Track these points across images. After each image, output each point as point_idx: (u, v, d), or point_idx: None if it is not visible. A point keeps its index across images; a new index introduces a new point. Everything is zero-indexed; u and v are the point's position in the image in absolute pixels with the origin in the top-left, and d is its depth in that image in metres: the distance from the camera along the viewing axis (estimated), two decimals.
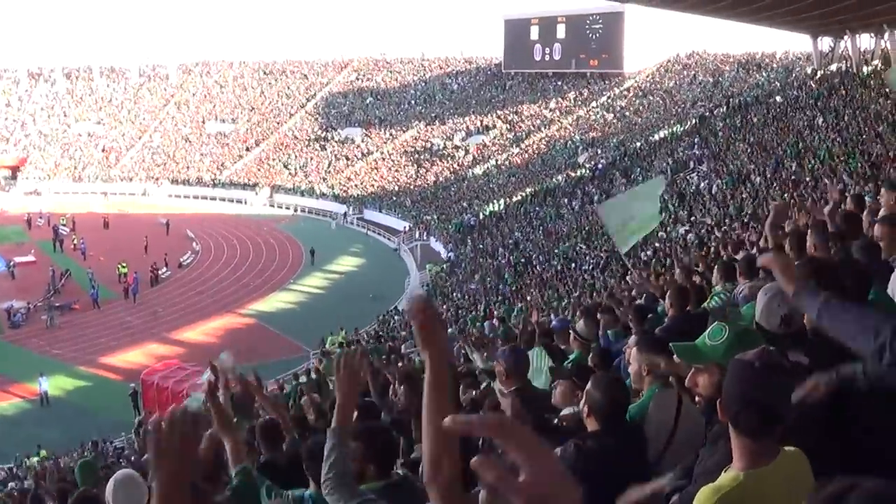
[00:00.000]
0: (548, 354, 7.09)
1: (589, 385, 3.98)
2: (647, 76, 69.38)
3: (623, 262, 21.78)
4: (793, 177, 34.03)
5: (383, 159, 69.92)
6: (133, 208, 65.18)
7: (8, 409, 28.34)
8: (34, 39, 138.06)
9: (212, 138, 79.93)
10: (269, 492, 4.18)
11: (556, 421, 4.60)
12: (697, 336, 3.48)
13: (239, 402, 13.21)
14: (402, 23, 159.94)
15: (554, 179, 53.11)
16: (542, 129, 66.17)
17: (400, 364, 16.49)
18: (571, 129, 63.83)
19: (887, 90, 36.42)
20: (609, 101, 67.42)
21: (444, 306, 32.70)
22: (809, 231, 5.95)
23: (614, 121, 62.78)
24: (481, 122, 70.97)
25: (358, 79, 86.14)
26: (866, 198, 10.76)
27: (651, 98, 64.54)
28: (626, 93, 67.97)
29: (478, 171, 62.05)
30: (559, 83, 73.94)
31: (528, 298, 31.85)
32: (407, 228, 54.58)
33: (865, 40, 45.81)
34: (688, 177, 42.47)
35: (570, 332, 7.84)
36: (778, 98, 47.64)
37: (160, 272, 43.77)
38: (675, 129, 51.42)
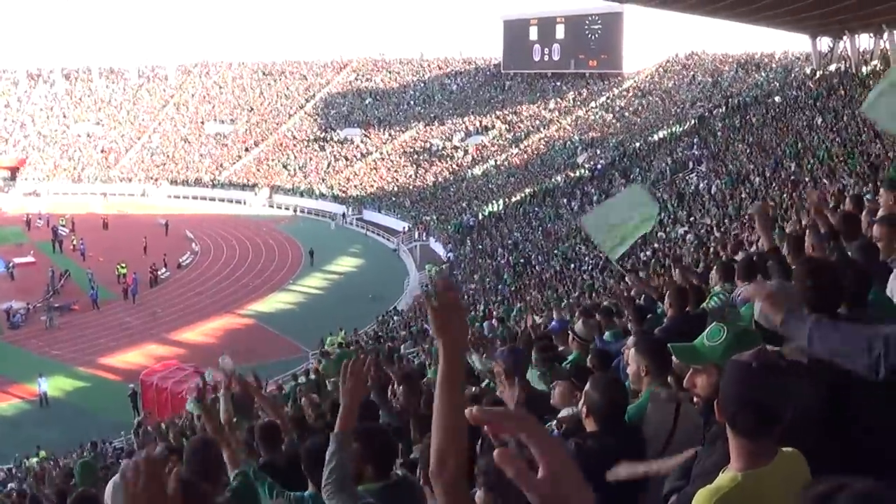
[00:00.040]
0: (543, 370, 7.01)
1: (587, 386, 3.98)
2: (646, 76, 69.43)
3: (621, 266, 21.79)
4: (792, 177, 34.03)
5: (382, 160, 69.92)
6: (132, 209, 65.15)
7: (7, 410, 28.31)
8: (33, 40, 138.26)
9: (211, 139, 79.91)
10: (270, 490, 4.19)
11: (554, 423, 4.60)
12: (696, 337, 3.48)
13: (238, 403, 13.22)
14: (401, 23, 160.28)
15: (553, 180, 53.12)
16: (542, 129, 66.19)
17: (399, 364, 16.49)
18: (570, 130, 63.85)
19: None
20: (608, 101, 67.45)
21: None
22: (807, 232, 5.95)
23: (613, 121, 62.80)
24: (480, 122, 70.99)
25: (357, 79, 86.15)
26: (865, 198, 10.77)
27: (650, 98, 64.57)
28: (625, 93, 68.01)
29: (477, 171, 62.06)
30: (558, 83, 73.95)
31: (528, 299, 31.84)
32: (406, 229, 54.58)
33: (864, 40, 45.85)
34: (687, 177, 42.49)
35: (569, 332, 7.83)
36: (777, 98, 47.67)
37: (159, 273, 43.75)
38: (674, 129, 51.44)
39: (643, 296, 11.06)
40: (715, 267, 8.65)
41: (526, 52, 76.57)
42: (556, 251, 39.59)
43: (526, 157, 61.85)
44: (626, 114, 63.20)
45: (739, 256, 9.64)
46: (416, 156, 68.82)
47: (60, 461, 19.89)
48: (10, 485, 19.67)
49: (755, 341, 3.14)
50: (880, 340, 2.61)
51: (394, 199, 61.79)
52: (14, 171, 75.24)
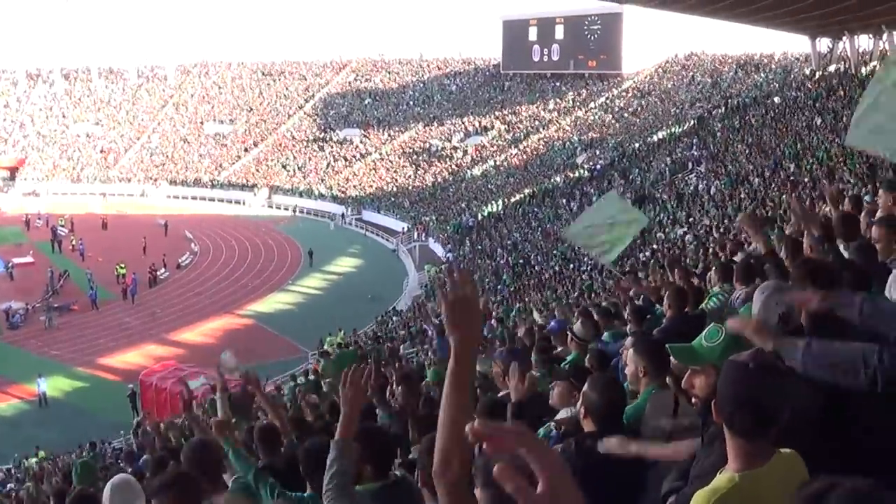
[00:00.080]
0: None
1: (586, 386, 3.99)
2: (646, 77, 69.45)
3: (617, 267, 21.82)
4: (791, 177, 34.04)
5: (382, 160, 69.94)
6: (131, 209, 65.15)
7: (6, 410, 28.31)
8: (32, 40, 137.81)
9: (210, 139, 79.91)
10: (272, 491, 4.19)
11: (553, 424, 4.61)
12: (695, 338, 3.48)
13: (237, 403, 13.23)
14: (401, 24, 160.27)
15: (552, 180, 53.13)
16: (541, 129, 66.21)
17: (398, 365, 16.48)
18: (570, 130, 63.86)
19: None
20: (607, 101, 67.47)
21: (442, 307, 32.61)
22: (805, 233, 5.94)
23: (613, 122, 62.82)
24: (480, 122, 71.01)
25: (356, 80, 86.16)
26: (864, 199, 10.77)
27: (649, 99, 64.59)
28: (624, 94, 68.03)
29: (476, 171, 62.08)
30: (557, 84, 73.97)
31: (527, 299, 31.83)
32: (405, 229, 54.59)
33: (864, 41, 45.89)
34: (686, 178, 42.51)
35: (568, 333, 7.84)
36: (776, 99, 47.71)
37: (158, 273, 43.74)
38: (673, 129, 51.47)
39: (641, 297, 11.06)
40: (714, 268, 8.66)
41: (525, 53, 76.60)
42: (555, 252, 39.59)
43: (525, 157, 61.86)
44: (626, 114, 63.22)
45: (738, 257, 9.63)
46: (415, 156, 68.84)
47: (59, 461, 19.89)
48: (9, 485, 19.69)
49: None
50: (874, 353, 2.61)
51: (393, 199, 61.80)
52: (13, 172, 75.26)
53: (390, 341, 27.10)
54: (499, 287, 37.15)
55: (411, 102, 79.47)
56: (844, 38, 45.93)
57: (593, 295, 26.54)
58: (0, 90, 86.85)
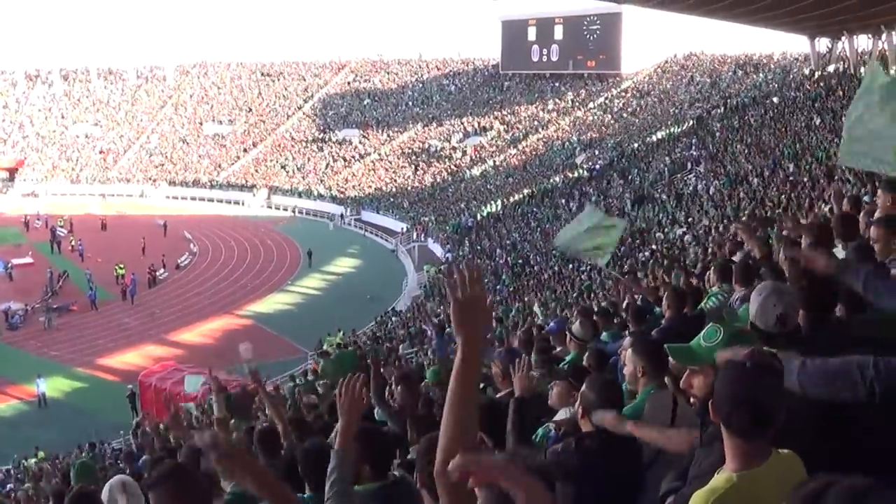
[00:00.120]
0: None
1: (584, 387, 3.99)
2: (645, 77, 69.47)
3: (613, 270, 21.92)
4: (790, 178, 34.05)
5: (381, 160, 69.94)
6: (131, 210, 65.15)
7: (6, 411, 28.31)
8: (31, 41, 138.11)
9: (209, 140, 79.90)
10: None
11: (553, 426, 4.61)
12: (694, 338, 3.49)
13: (237, 404, 13.23)
14: (400, 24, 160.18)
15: (551, 180, 53.12)
16: (540, 130, 66.22)
17: (397, 364, 16.50)
18: (569, 130, 63.87)
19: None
20: (606, 102, 67.49)
21: (441, 308, 32.70)
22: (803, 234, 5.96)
23: (612, 122, 62.84)
24: (479, 123, 71.02)
25: (355, 80, 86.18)
26: (863, 199, 10.77)
27: (648, 99, 64.61)
28: (623, 94, 68.05)
29: (475, 172, 62.08)
30: (557, 84, 73.99)
31: (526, 300, 31.82)
32: (404, 229, 54.58)
33: (863, 41, 45.90)
34: (685, 178, 42.51)
35: (567, 333, 7.84)
36: (775, 99, 47.72)
37: (158, 273, 43.74)
38: (672, 130, 51.48)
39: (640, 297, 11.07)
40: (712, 268, 8.66)
41: (524, 53, 76.61)
42: (554, 252, 39.56)
43: (524, 157, 61.87)
44: (625, 114, 63.23)
45: (737, 257, 9.63)
46: (414, 156, 68.84)
47: (59, 462, 19.90)
48: (8, 485, 19.70)
49: (751, 342, 3.14)
50: (870, 365, 2.62)
51: (392, 199, 61.81)
52: (12, 172, 75.22)
53: (389, 341, 27.11)
54: (498, 287, 37.14)
55: (410, 103, 79.48)
56: (843, 38, 45.94)
57: (592, 295, 26.53)
58: None
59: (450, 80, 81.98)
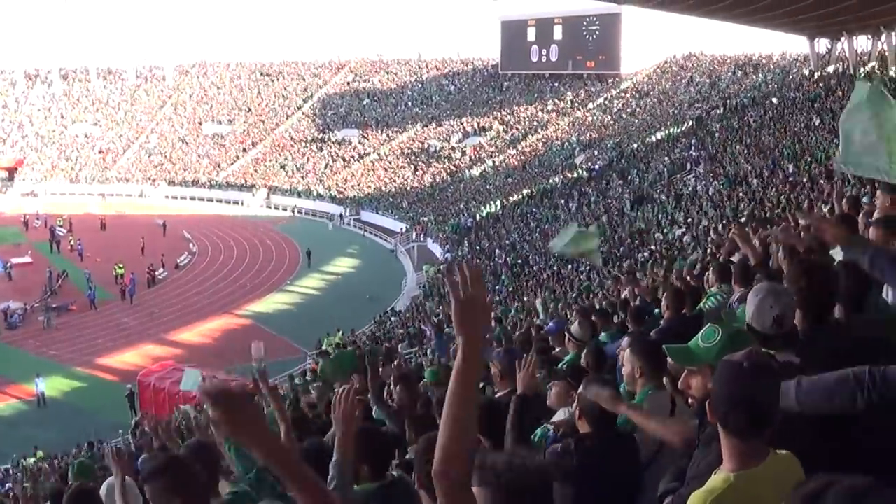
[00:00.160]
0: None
1: (581, 388, 3.99)
2: (644, 77, 69.49)
3: (613, 269, 22.02)
4: (790, 178, 34.05)
5: (380, 160, 69.94)
6: (130, 209, 65.12)
7: (5, 410, 28.30)
8: (31, 41, 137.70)
9: (209, 139, 79.90)
10: (272, 490, 4.18)
11: (551, 427, 4.61)
12: (692, 338, 3.48)
13: None
14: (399, 24, 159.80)
15: (551, 181, 53.12)
16: (539, 130, 66.24)
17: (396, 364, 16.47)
18: (568, 131, 63.89)
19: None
20: (606, 102, 67.51)
21: (441, 308, 32.70)
22: (801, 234, 5.95)
23: (611, 122, 62.87)
24: (478, 123, 71.03)
25: (355, 80, 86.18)
26: (862, 200, 10.77)
27: (648, 99, 64.64)
28: (622, 94, 68.07)
29: (475, 172, 62.09)
30: (556, 84, 74.01)
31: (525, 300, 31.82)
32: (404, 230, 54.59)
33: (862, 42, 45.94)
34: (685, 178, 42.51)
35: (566, 333, 7.84)
36: (775, 100, 47.72)
37: (157, 273, 43.72)
38: (671, 130, 51.49)
39: (639, 297, 11.09)
40: (711, 268, 8.67)
41: (524, 53, 76.62)
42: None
43: (524, 157, 61.88)
44: (624, 115, 63.25)
45: (736, 258, 9.64)
46: (413, 156, 68.84)
47: (57, 461, 19.89)
48: (7, 484, 19.69)
49: (749, 343, 3.14)
50: (865, 375, 2.63)
51: (391, 199, 61.81)
52: (12, 172, 75.19)
53: (388, 341, 27.09)
54: (497, 287, 37.13)
55: (410, 103, 79.49)
56: (843, 38, 45.98)
57: (591, 296, 26.51)
58: None
59: (449, 81, 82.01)
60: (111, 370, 31.70)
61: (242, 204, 67.78)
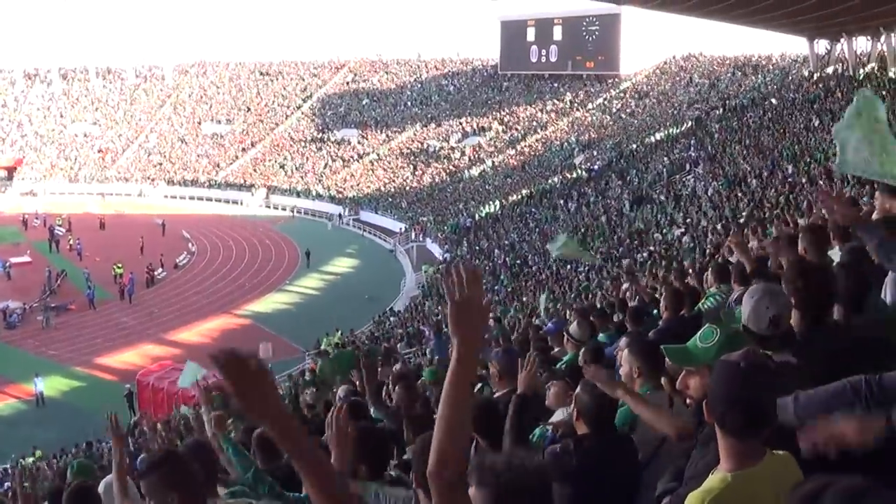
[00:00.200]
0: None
1: (578, 388, 3.99)
2: (644, 78, 69.49)
3: (613, 268, 22.06)
4: (789, 179, 34.05)
5: (379, 160, 69.92)
6: (129, 209, 65.06)
7: (3, 410, 28.30)
8: (30, 40, 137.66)
9: (208, 139, 79.85)
10: (271, 490, 4.18)
11: (550, 427, 4.61)
12: (691, 338, 3.49)
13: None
14: (399, 24, 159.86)
15: (550, 181, 53.14)
16: (538, 130, 66.24)
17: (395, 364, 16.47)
18: (567, 131, 63.90)
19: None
20: (605, 102, 67.51)
21: (440, 308, 32.71)
22: (800, 235, 5.95)
23: (610, 122, 62.88)
24: (477, 123, 71.02)
25: (354, 80, 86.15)
26: (862, 200, 10.79)
27: (647, 100, 64.64)
28: (622, 95, 68.07)
29: (474, 172, 62.09)
30: (555, 85, 74.00)
31: (525, 300, 31.83)
32: (403, 230, 54.57)
33: (862, 43, 45.94)
34: (684, 179, 42.50)
35: (564, 334, 7.84)
36: (774, 100, 47.71)
37: (156, 273, 43.71)
38: (671, 131, 51.51)
39: (638, 297, 11.09)
40: (710, 268, 8.67)
41: (523, 54, 76.60)
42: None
43: (523, 158, 61.88)
44: (624, 115, 63.26)
45: (735, 258, 9.64)
46: (412, 157, 68.82)
47: (56, 461, 19.88)
48: (6, 484, 19.68)
49: (748, 343, 3.14)
50: (861, 383, 2.64)
51: (390, 199, 61.79)
52: (11, 171, 75.09)
53: (387, 341, 27.08)
54: (496, 287, 37.13)
55: (409, 103, 79.47)
56: (842, 39, 45.98)
57: (590, 296, 26.52)
58: None
59: (449, 81, 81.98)
60: (110, 370, 31.70)
61: (241, 204, 67.74)
